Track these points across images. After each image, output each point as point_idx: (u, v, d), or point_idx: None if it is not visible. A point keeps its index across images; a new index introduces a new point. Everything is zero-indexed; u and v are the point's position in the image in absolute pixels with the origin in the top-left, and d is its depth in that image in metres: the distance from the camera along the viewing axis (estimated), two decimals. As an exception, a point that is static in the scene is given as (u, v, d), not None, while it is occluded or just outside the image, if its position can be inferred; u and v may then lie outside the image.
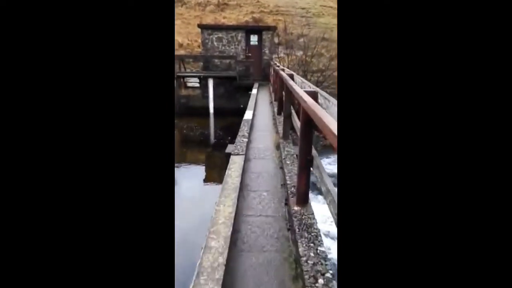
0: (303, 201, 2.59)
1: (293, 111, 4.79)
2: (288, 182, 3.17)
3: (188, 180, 7.55)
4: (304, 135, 2.53)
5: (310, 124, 2.36)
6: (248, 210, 2.85)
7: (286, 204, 2.91)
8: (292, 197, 2.79)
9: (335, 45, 15.33)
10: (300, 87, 3.31)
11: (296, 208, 2.55)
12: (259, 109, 7.79)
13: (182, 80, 13.32)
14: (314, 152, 2.59)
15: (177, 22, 21.69)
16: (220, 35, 13.03)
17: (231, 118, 12.34)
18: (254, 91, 10.33)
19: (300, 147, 2.56)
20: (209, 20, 20.28)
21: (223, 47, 13.15)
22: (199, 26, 13.36)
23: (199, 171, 8.54)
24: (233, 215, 2.53)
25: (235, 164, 3.73)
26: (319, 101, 2.39)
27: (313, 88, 2.82)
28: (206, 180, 7.78)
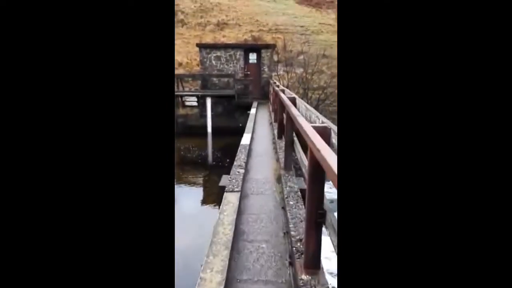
0: (314, 265, 1.99)
1: (295, 138, 4.23)
2: (292, 231, 2.56)
3: (186, 204, 6.91)
4: (313, 181, 1.95)
5: (322, 170, 1.78)
6: (242, 272, 2.24)
7: (290, 264, 2.30)
8: (298, 257, 2.18)
9: (336, 62, 14.95)
10: (305, 116, 2.75)
11: (304, 276, 1.94)
12: (258, 131, 7.24)
13: (180, 99, 12.87)
14: (326, 202, 2.01)
15: (177, 42, 21.52)
16: (218, 53, 12.66)
17: (229, 137, 11.79)
18: (253, 110, 9.83)
19: (308, 197, 1.97)
20: (209, 39, 20.07)
21: (221, 66, 12.76)
22: (198, 45, 13.02)
23: (197, 195, 7.91)
24: (222, 287, 1.93)
25: (229, 205, 3.13)
26: (333, 140, 1.82)
27: (322, 120, 2.25)
28: (204, 202, 7.20)
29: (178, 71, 17.49)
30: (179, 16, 23.71)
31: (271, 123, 8.04)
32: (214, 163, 9.61)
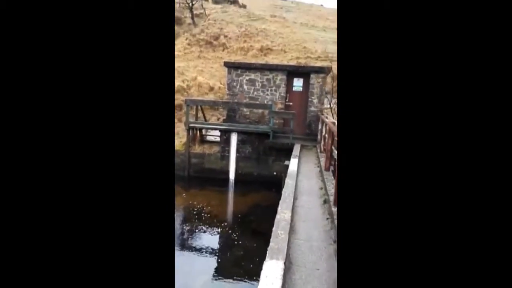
0: None
1: None
2: None
3: None
4: None
5: None
6: None
7: None
8: None
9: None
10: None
11: None
12: (301, 226, 3.19)
13: (197, 132, 9.33)
14: None
15: (214, 66, 18.64)
16: (252, 76, 9.03)
17: (258, 192, 7.88)
18: (293, 163, 5.79)
19: None
20: (248, 63, 16.82)
21: (255, 93, 9.07)
22: (226, 64, 9.53)
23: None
24: None
25: None
26: None
27: None
28: None
29: (208, 96, 14.26)
30: (221, 39, 21.07)
31: (325, 202, 3.94)
32: (229, 253, 5.53)
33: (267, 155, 8.54)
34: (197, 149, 8.95)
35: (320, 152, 6.75)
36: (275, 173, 8.45)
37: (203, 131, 9.60)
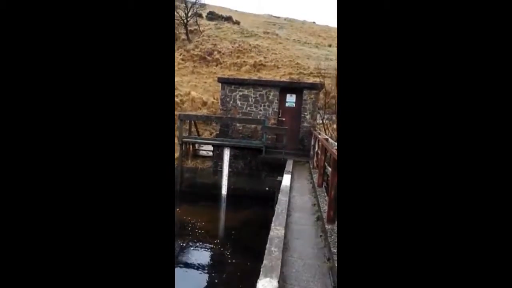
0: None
1: None
2: None
3: None
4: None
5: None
6: None
7: None
8: None
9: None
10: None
11: None
12: (295, 243, 3.18)
13: (189, 147, 9.31)
14: None
15: (207, 81, 18.82)
16: (246, 92, 9.14)
17: (251, 208, 7.83)
18: (286, 179, 5.81)
19: None
20: (242, 79, 17.02)
21: (248, 108, 9.16)
22: (219, 80, 9.64)
23: None
24: None
25: None
26: None
27: None
28: None
29: (202, 111, 14.32)
30: (215, 55, 21.37)
31: (318, 219, 3.94)
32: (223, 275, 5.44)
33: (259, 170, 8.55)
34: (190, 163, 8.90)
35: (313, 168, 6.80)
36: (267, 189, 8.43)
37: (196, 146, 9.59)
